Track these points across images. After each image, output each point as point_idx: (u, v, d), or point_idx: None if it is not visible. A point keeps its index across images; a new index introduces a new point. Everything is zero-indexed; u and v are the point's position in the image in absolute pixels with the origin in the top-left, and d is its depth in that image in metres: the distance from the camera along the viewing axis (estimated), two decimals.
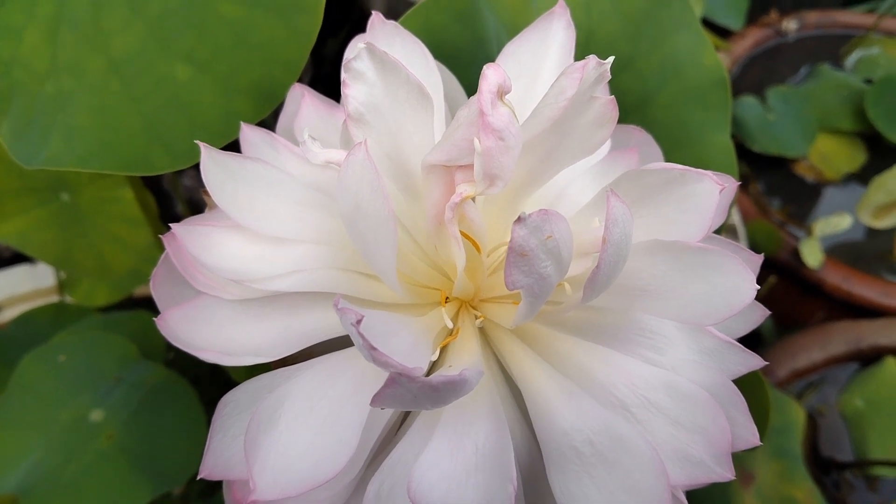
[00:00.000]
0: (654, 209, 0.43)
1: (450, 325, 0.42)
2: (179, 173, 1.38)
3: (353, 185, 0.37)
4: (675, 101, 0.67)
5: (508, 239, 0.48)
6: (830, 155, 1.82)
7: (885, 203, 1.61)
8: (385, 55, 0.40)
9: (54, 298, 1.24)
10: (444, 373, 0.40)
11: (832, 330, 1.42)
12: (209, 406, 1.02)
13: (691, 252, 0.40)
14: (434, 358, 0.42)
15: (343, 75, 0.40)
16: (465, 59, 0.60)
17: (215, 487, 1.13)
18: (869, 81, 1.85)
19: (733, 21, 2.05)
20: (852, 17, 2.08)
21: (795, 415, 1.23)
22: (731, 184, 0.42)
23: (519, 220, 0.32)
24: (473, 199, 0.40)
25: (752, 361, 0.45)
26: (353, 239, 0.41)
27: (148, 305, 1.26)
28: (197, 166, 0.62)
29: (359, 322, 0.32)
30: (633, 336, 0.45)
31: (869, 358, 1.39)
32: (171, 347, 1.12)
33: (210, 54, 0.55)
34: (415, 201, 0.45)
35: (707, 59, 0.68)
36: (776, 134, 1.77)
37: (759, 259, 0.46)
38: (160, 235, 0.43)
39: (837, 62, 1.99)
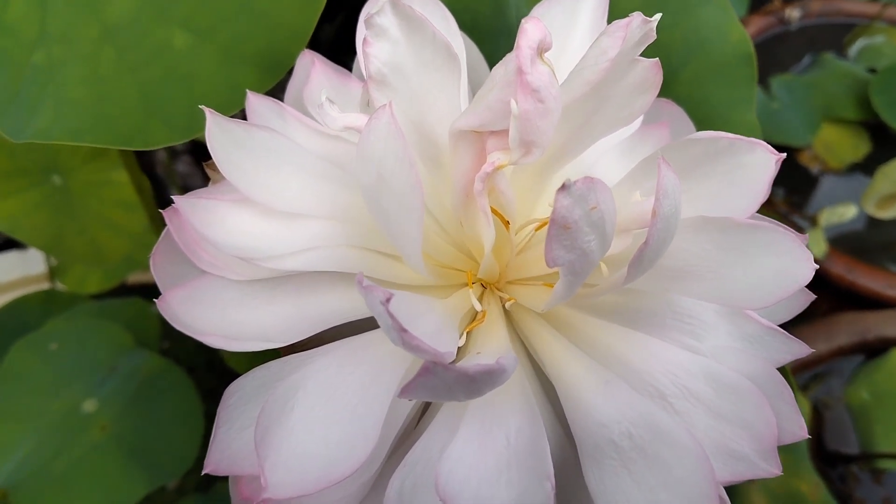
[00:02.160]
0: (699, 182, 0.40)
1: (478, 307, 0.39)
2: (174, 158, 1.34)
3: (376, 152, 0.34)
4: (700, 78, 0.64)
5: (536, 215, 0.45)
6: (834, 144, 1.80)
7: (891, 193, 1.59)
8: (410, 10, 0.36)
9: (45, 285, 1.21)
10: (475, 360, 0.37)
11: (837, 321, 1.40)
12: (206, 396, 0.99)
13: (740, 229, 0.37)
14: (461, 343, 0.38)
15: (364, 32, 0.37)
16: (484, 28, 0.56)
17: (212, 480, 1.09)
18: (873, 70, 1.83)
19: (736, 8, 2.02)
20: (856, 5, 2.05)
21: (801, 407, 1.21)
22: (781, 156, 0.39)
23: (563, 187, 0.29)
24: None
25: (796, 349, 0.42)
26: (373, 213, 0.37)
27: (142, 292, 1.23)
28: (191, 151, 0.57)
29: (388, 301, 0.28)
30: (671, 321, 0.42)
31: (875, 350, 1.37)
32: (165, 336, 1.08)
33: (210, 21, 0.52)
34: (438, 173, 0.41)
35: (733, 33, 0.64)
36: (780, 123, 1.74)
37: (804, 239, 0.43)
38: (161, 210, 0.40)
39: (841, 51, 1.96)
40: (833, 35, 2.00)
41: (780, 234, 0.37)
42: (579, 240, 0.31)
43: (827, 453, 1.31)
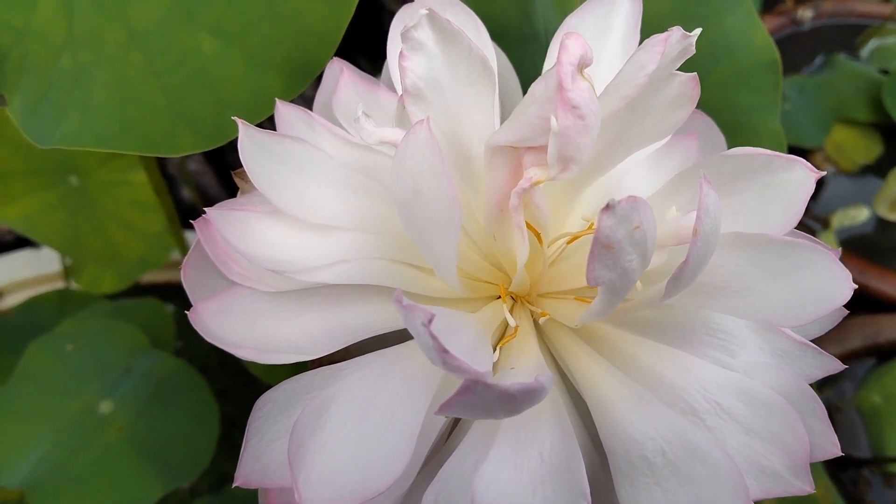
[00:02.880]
0: (734, 198, 0.40)
1: (512, 323, 0.39)
2: (186, 157, 1.34)
3: (413, 167, 0.34)
4: (725, 85, 0.64)
5: (567, 228, 0.45)
6: (846, 146, 1.79)
7: None
8: (448, 24, 0.36)
9: (59, 284, 1.21)
10: (510, 376, 0.37)
11: (849, 324, 1.40)
12: (219, 396, 0.99)
13: (776, 246, 0.37)
14: (494, 359, 0.38)
15: (400, 45, 0.37)
16: (512, 35, 0.56)
17: (225, 480, 1.09)
18: (885, 72, 1.82)
19: None
20: (868, 6, 2.04)
21: None
22: (821, 173, 0.39)
23: (607, 207, 0.29)
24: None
25: (829, 365, 0.42)
26: (407, 227, 0.37)
27: (156, 292, 1.23)
28: None
29: (430, 321, 0.28)
30: (703, 336, 0.42)
31: (887, 353, 1.36)
32: (179, 335, 1.09)
33: (238, 26, 0.51)
34: (471, 186, 0.41)
35: (758, 38, 0.64)
36: (792, 124, 1.73)
37: (837, 254, 0.43)
38: (193, 221, 0.39)
39: (853, 52, 1.95)
40: (845, 36, 1.99)
41: (817, 252, 0.36)
42: (622, 259, 0.30)
43: (838, 457, 1.30)
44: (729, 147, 0.55)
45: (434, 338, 0.28)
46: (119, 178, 0.97)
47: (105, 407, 0.88)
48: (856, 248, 1.54)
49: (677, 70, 0.38)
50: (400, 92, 0.38)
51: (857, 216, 1.57)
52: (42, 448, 0.84)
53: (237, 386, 1.12)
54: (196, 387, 0.92)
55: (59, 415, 0.87)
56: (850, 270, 1.18)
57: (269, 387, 0.40)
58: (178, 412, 0.89)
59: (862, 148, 1.79)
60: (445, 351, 0.28)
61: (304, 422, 0.36)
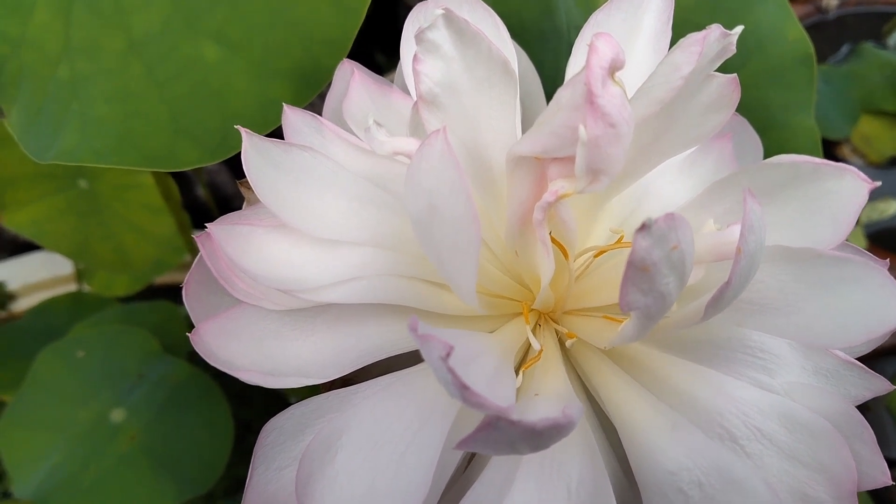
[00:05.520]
0: (777, 209, 0.37)
1: (537, 346, 0.36)
2: None
3: (428, 181, 0.31)
4: (756, 81, 0.60)
5: (592, 240, 0.42)
6: (873, 137, 1.75)
7: None
8: (465, 24, 0.33)
9: (72, 286, 1.19)
10: (534, 404, 0.34)
11: None
12: (234, 399, 0.97)
13: (823, 261, 0.34)
14: (517, 384, 0.35)
15: (415, 48, 0.34)
16: (532, 31, 0.53)
17: (240, 485, 1.08)
18: None
19: None
20: None
21: None
22: (875, 184, 0.36)
23: (643, 227, 0.26)
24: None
25: (877, 385, 0.39)
26: (423, 244, 0.34)
27: (169, 295, 1.22)
28: None
29: (448, 355, 0.26)
30: (740, 355, 0.39)
31: None
32: None
33: (243, 33, 0.49)
34: (491, 197, 0.38)
35: (791, 32, 0.61)
36: (818, 115, 1.68)
37: (885, 264, 0.40)
38: (195, 237, 0.37)
39: (880, 40, 1.90)
40: (871, 24, 1.94)
41: (870, 269, 0.33)
42: (658, 283, 0.28)
43: None
44: (763, 146, 0.51)
45: (453, 373, 0.26)
46: (129, 181, 0.95)
47: (117, 415, 0.86)
48: (884, 243, 1.50)
49: (725, 74, 0.35)
50: (414, 98, 0.36)
51: (886, 209, 1.54)
52: (53, 458, 0.83)
53: (252, 388, 1.10)
54: (209, 393, 0.90)
55: (71, 424, 0.85)
56: None
57: (282, 391, 0.37)
58: (192, 420, 0.88)
59: (890, 139, 1.74)
60: (465, 387, 0.26)
61: (313, 452, 0.33)
